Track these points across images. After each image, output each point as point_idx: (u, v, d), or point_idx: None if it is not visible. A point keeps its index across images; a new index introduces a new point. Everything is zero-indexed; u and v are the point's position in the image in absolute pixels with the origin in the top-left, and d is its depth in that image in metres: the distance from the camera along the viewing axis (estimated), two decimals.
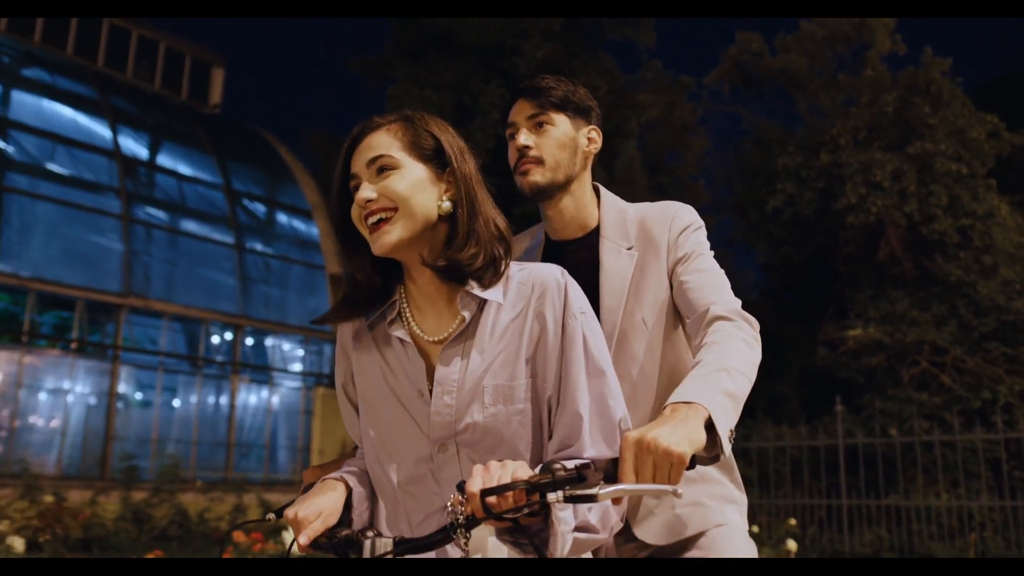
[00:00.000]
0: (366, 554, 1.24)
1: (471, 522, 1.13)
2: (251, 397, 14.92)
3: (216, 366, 14.28)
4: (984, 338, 10.80)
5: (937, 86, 11.26)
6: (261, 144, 18.15)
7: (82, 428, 12.44)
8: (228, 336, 14.49)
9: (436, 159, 1.39)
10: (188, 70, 19.11)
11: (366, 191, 1.35)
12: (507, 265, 1.43)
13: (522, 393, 1.36)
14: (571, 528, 1.20)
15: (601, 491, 1.11)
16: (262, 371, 15.09)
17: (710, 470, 1.75)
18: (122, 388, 12.94)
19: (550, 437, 1.37)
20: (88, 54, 17.15)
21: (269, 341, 15.34)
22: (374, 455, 1.43)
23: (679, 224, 1.76)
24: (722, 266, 1.74)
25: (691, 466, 1.20)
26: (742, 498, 1.78)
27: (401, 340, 1.42)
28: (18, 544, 3.21)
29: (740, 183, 13.00)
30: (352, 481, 1.43)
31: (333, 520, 1.34)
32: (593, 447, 1.31)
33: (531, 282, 1.42)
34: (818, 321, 12.42)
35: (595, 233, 1.82)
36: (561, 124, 1.77)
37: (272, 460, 14.82)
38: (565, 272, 1.43)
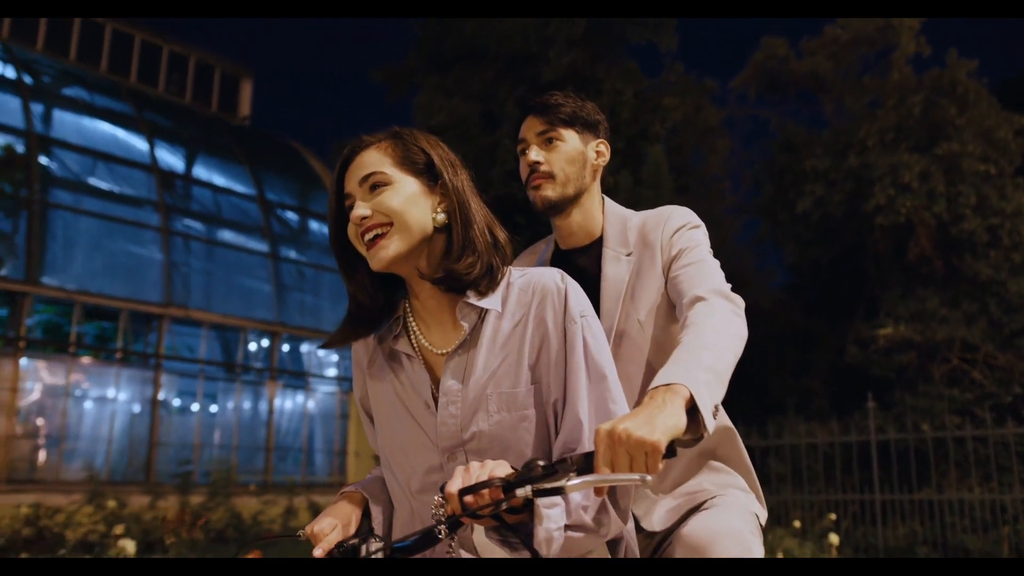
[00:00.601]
0: (361, 558, 1.26)
1: (452, 521, 1.15)
2: (288, 402, 15.24)
3: (254, 372, 14.58)
4: (1015, 335, 10.92)
5: (963, 87, 11.41)
6: (291, 154, 18.51)
7: (127, 435, 12.78)
8: (265, 343, 14.81)
9: (427, 173, 1.41)
10: (218, 83, 19.53)
11: (360, 209, 1.36)
12: (504, 273, 1.44)
13: (526, 399, 1.37)
14: (559, 526, 1.21)
15: (568, 484, 1.12)
16: (298, 377, 15.38)
17: (720, 465, 1.78)
18: (164, 395, 13.27)
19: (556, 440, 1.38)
20: (122, 70, 17.57)
21: (304, 347, 15.64)
22: (389, 465, 1.46)
23: (672, 225, 1.80)
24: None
25: (670, 453, 1.19)
26: (750, 489, 1.77)
27: (407, 355, 1.45)
28: (129, 547, 3.42)
29: (768, 185, 13.16)
30: (370, 492, 1.47)
31: (350, 531, 1.38)
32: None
33: (531, 288, 1.43)
34: (847, 320, 12.57)
35: (599, 242, 1.87)
36: (570, 139, 1.84)
37: (309, 463, 15.11)
38: (565, 275, 1.44)
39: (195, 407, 13.91)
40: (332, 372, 16.00)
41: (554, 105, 1.83)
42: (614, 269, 1.80)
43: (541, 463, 1.15)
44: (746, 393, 13.52)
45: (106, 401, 12.86)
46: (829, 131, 12.68)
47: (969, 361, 10.84)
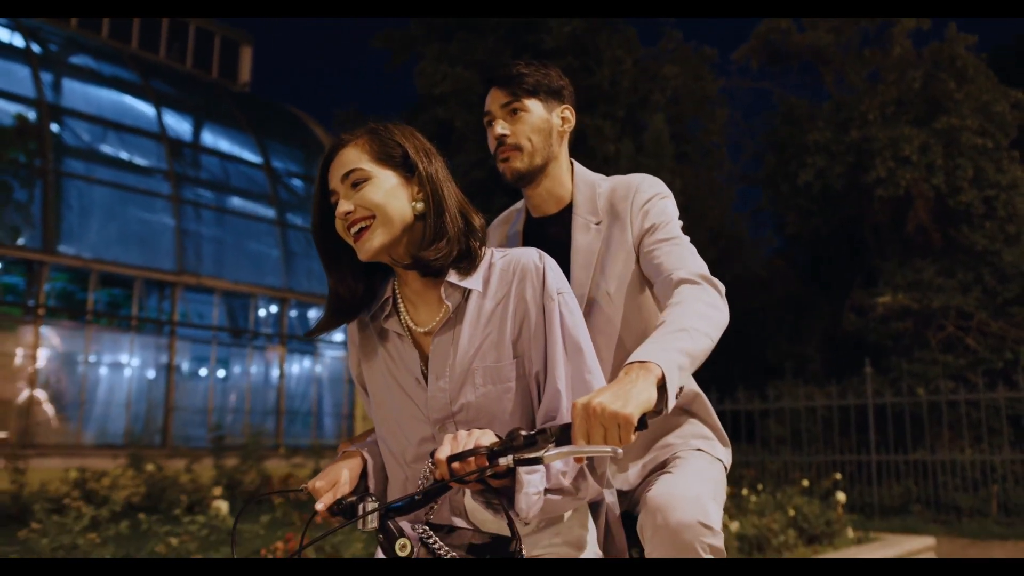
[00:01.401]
0: (359, 522, 1.32)
1: (439, 485, 1.26)
2: (297, 367, 15.52)
3: (263, 338, 14.83)
4: (1008, 303, 11.36)
5: (962, 61, 11.70)
6: (293, 121, 18.58)
7: (144, 400, 13.06)
8: (273, 309, 15.06)
9: (404, 165, 1.48)
10: (218, 49, 19.44)
11: (344, 205, 1.44)
12: (481, 255, 1.53)
13: (509, 372, 1.46)
14: (539, 491, 1.32)
15: (546, 454, 1.22)
16: (307, 342, 15.60)
17: (681, 415, 1.86)
18: (177, 361, 13.52)
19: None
20: (122, 37, 17.51)
21: (312, 313, 15.87)
22: (383, 436, 1.56)
23: (642, 196, 1.82)
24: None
25: (641, 426, 1.26)
26: (713, 435, 1.85)
27: (397, 334, 1.54)
28: (223, 507, 3.74)
29: (770, 156, 13.44)
30: (368, 454, 1.55)
31: (347, 490, 1.45)
32: (567, 418, 1.41)
33: (511, 268, 1.51)
34: (844, 288, 12.97)
35: (569, 209, 1.89)
36: (535, 109, 1.84)
37: (319, 427, 15.43)
38: (543, 254, 1.53)
39: (207, 372, 14.18)
40: (339, 337, 16.24)
41: (517, 76, 1.84)
42: (584, 238, 1.83)
43: (523, 433, 1.24)
44: (745, 358, 13.94)
45: (122, 367, 13.11)
46: (830, 103, 12.95)
47: (963, 328, 11.29)
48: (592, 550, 1.53)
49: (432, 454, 1.28)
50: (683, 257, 1.72)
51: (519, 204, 2.02)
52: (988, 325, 11.14)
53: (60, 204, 12.60)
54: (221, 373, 14.55)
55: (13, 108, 12.80)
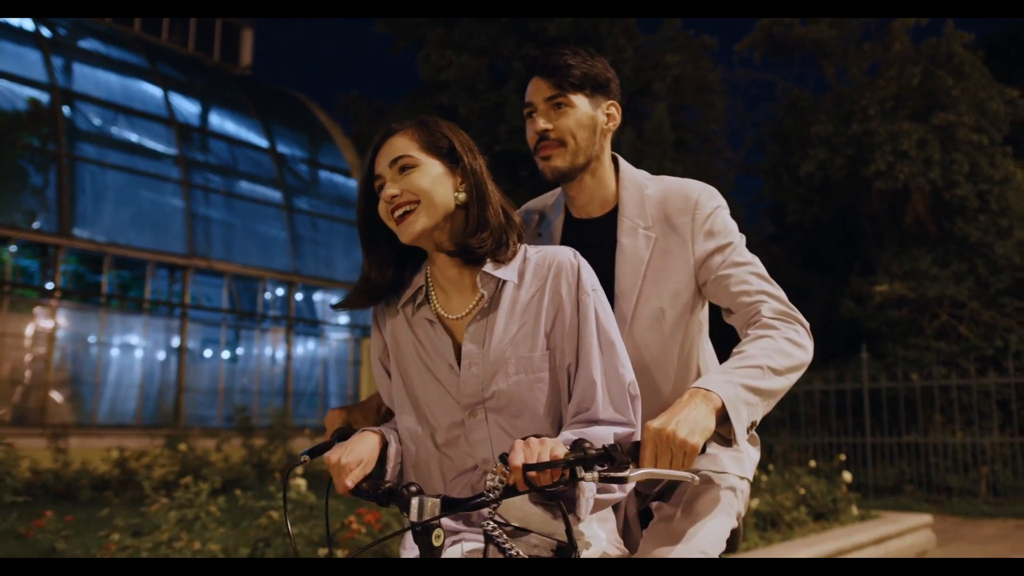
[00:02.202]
0: (413, 512, 1.35)
1: (510, 491, 1.28)
2: (303, 349, 15.78)
3: (271, 320, 15.06)
4: (999, 293, 11.84)
5: (959, 58, 12.12)
6: (297, 105, 18.68)
7: (156, 381, 13.32)
8: (280, 292, 15.30)
9: (449, 156, 1.53)
10: (219, 32, 19.50)
11: (391, 188, 1.49)
12: (517, 247, 1.57)
13: (541, 363, 1.51)
14: (593, 494, 1.37)
15: (631, 474, 1.29)
16: (313, 324, 15.85)
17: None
18: (188, 343, 13.76)
19: (568, 400, 1.52)
20: (126, 20, 17.56)
21: (317, 296, 16.09)
22: (414, 421, 1.58)
23: (704, 211, 1.75)
24: (738, 221, 1.82)
25: (702, 452, 1.36)
26: (739, 458, 1.77)
27: (428, 320, 1.58)
28: (302, 483, 4.02)
29: (773, 147, 13.83)
30: (389, 436, 1.59)
31: (370, 469, 1.49)
32: (605, 410, 1.47)
33: (547, 263, 1.56)
34: (842, 276, 13.41)
35: (614, 212, 1.81)
36: (580, 104, 1.75)
37: (325, 408, 15.70)
38: (577, 253, 1.57)
39: (215, 354, 14.40)
40: (344, 320, 16.48)
41: (564, 67, 1.73)
42: (631, 241, 1.75)
43: (590, 445, 1.28)
44: None
45: (134, 349, 13.33)
46: (831, 95, 13.34)
47: (956, 316, 11.77)
48: (613, 540, 1.61)
49: (503, 458, 1.29)
50: (763, 287, 1.68)
51: (552, 196, 1.94)
52: (980, 314, 11.62)
53: (74, 188, 12.73)
54: (228, 354, 14.76)
55: (26, 92, 12.92)
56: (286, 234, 15.49)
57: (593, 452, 1.27)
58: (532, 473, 1.25)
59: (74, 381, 12.45)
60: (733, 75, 15.83)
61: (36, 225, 12.25)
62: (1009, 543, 7.88)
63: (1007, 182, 11.81)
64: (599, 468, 1.27)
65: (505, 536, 1.35)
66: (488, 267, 1.53)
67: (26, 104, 12.88)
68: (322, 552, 3.74)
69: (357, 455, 1.47)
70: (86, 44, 15.42)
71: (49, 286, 12.19)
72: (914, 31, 13.05)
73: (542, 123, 1.73)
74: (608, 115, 1.80)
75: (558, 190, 1.89)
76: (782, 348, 1.55)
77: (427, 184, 1.49)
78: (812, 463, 8.27)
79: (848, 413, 11.48)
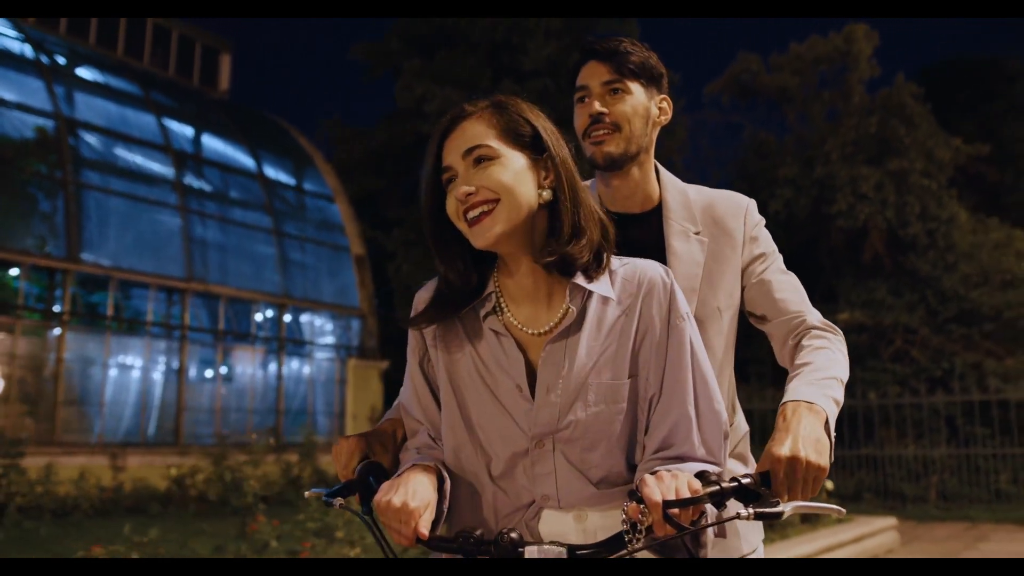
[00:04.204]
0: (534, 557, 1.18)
1: (651, 531, 1.12)
2: (291, 368, 16.32)
3: (262, 341, 15.61)
4: (947, 321, 13.31)
5: (910, 109, 13.58)
6: (278, 130, 19.16)
7: (158, 400, 13.78)
8: (270, 314, 15.87)
9: (532, 146, 1.33)
10: (199, 56, 19.88)
11: (465, 185, 1.29)
12: (610, 257, 1.37)
13: (625, 393, 1.32)
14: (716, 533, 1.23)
15: (783, 508, 1.13)
16: (301, 345, 16.40)
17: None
18: (187, 363, 14.25)
19: (645, 433, 1.33)
20: (109, 43, 17.89)
21: (304, 317, 16.68)
22: (467, 448, 1.37)
23: (754, 218, 1.73)
24: None
25: None
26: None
27: (496, 333, 1.36)
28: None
29: (741, 184, 15.10)
30: (443, 471, 1.36)
31: (432, 513, 1.26)
32: (699, 450, 1.29)
33: (636, 278, 1.36)
34: None
35: (656, 212, 1.73)
36: (637, 92, 1.69)
37: (314, 424, 16.25)
38: (669, 271, 1.38)
39: (213, 374, 14.89)
40: (329, 340, 17.01)
41: (623, 52, 1.69)
42: (684, 246, 1.69)
43: (719, 480, 1.16)
44: None
45: (137, 370, 13.77)
46: (791, 137, 14.70)
47: (909, 342, 13.16)
48: None
49: (635, 494, 1.14)
50: (804, 298, 1.69)
51: (586, 184, 1.79)
52: (930, 340, 13.03)
53: (80, 214, 13.13)
54: (224, 373, 15.14)
55: (32, 120, 13.30)
56: (276, 257, 16.05)
57: (729, 486, 1.15)
58: (674, 511, 1.11)
59: (81, 400, 12.87)
60: (703, 115, 17.09)
61: (46, 250, 12.64)
62: (960, 542, 9.08)
63: (952, 222, 13.29)
64: (752, 504, 1.14)
65: None
66: (579, 279, 1.32)
67: (33, 132, 13.27)
68: None
69: (423, 497, 1.25)
70: (82, 72, 15.78)
71: (57, 308, 12.59)
72: (868, 83, 14.51)
73: (598, 106, 1.68)
74: (660, 108, 1.75)
75: (586, 183, 1.74)
76: (840, 361, 1.55)
77: (509, 180, 1.29)
78: None
79: None
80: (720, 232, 1.71)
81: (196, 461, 9.97)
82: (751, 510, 1.13)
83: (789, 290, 1.69)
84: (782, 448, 1.24)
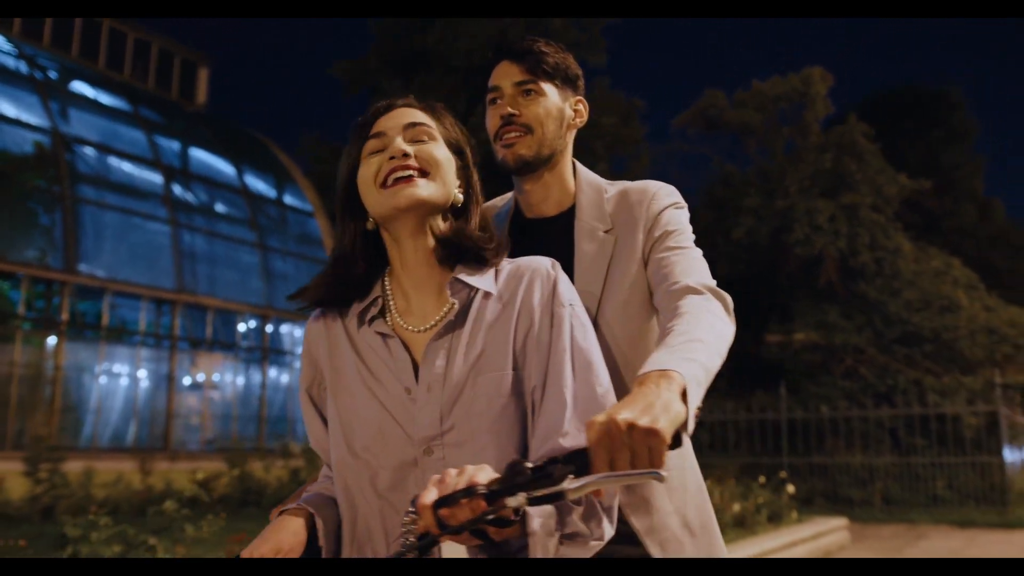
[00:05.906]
0: None
1: (426, 540, 0.99)
2: (274, 377, 16.91)
3: (246, 351, 16.19)
4: (892, 342, 14.63)
5: (860, 147, 14.90)
6: (258, 145, 19.57)
7: (149, 407, 14.30)
8: (253, 324, 16.44)
9: (457, 151, 1.36)
10: (178, 69, 20.32)
11: (403, 145, 1.28)
12: (497, 259, 1.35)
13: (508, 387, 1.25)
14: (556, 538, 1.10)
15: (569, 486, 0.97)
16: (283, 354, 17.00)
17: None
18: (176, 372, 14.79)
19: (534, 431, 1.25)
20: (91, 56, 18.33)
21: (284, 328, 17.28)
22: (349, 463, 1.28)
23: (658, 204, 1.63)
24: None
25: (675, 443, 1.03)
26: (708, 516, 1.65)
27: (383, 336, 1.32)
28: None
29: (708, 213, 16.27)
30: (315, 507, 1.30)
31: (297, 555, 1.23)
32: (572, 437, 1.18)
33: (520, 273, 1.34)
34: (762, 323, 15.94)
35: (570, 213, 1.68)
36: (551, 94, 1.64)
37: (293, 431, 16.84)
38: (557, 264, 1.36)
39: (201, 382, 15.42)
40: None
41: (537, 53, 1.64)
42: (590, 246, 1.62)
43: (528, 465, 1.00)
44: None
45: (129, 378, 14.28)
46: (753, 169, 15.93)
47: (858, 360, 14.43)
48: None
49: (413, 501, 1.02)
50: (690, 267, 1.53)
51: (503, 200, 1.81)
52: (876, 358, 14.31)
53: (77, 228, 13.58)
54: (211, 381, 15.71)
55: (30, 136, 13.74)
56: (260, 270, 16.62)
57: (528, 472, 0.99)
58: (444, 511, 0.98)
59: (77, 408, 13.34)
60: (671, 147, 18.22)
61: (46, 262, 13.09)
62: (903, 540, 10.22)
63: (897, 252, 14.64)
64: (530, 490, 0.98)
65: None
66: (461, 274, 1.31)
67: (32, 147, 13.69)
68: None
69: (274, 544, 1.22)
70: (73, 87, 16.19)
71: (57, 319, 13.07)
72: (824, 121, 15.79)
73: (509, 108, 1.63)
74: (576, 111, 1.72)
75: (509, 195, 1.79)
76: (710, 323, 1.35)
77: (444, 160, 1.32)
78: (762, 479, 10.42)
79: (769, 438, 13.84)
80: (626, 224, 1.64)
81: (218, 466, 10.63)
82: (523, 496, 0.98)
83: (675, 264, 1.54)
84: (599, 416, 1.04)
